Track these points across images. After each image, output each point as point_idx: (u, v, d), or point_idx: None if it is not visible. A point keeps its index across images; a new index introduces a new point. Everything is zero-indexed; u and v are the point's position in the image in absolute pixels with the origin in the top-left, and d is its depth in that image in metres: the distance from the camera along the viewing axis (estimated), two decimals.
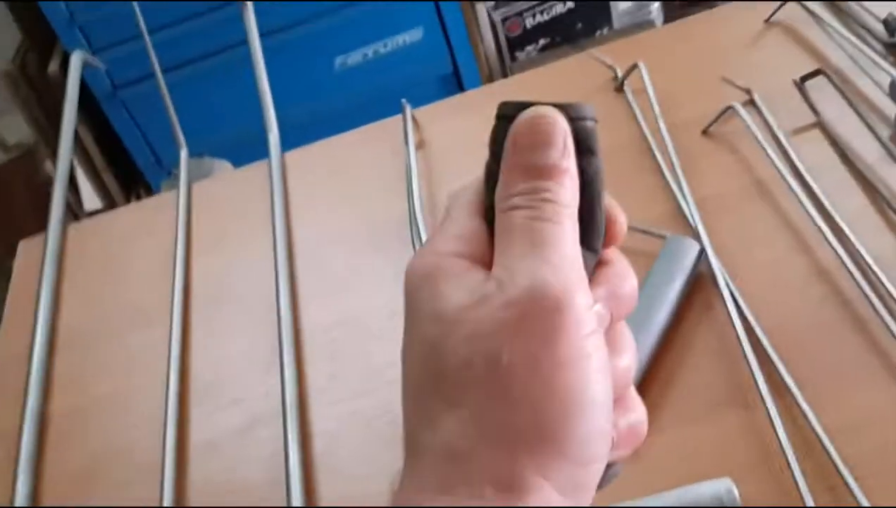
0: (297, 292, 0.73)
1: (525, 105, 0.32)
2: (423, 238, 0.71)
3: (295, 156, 0.85)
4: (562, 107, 0.32)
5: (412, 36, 1.83)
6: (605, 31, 1.91)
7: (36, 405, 0.69)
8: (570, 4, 1.87)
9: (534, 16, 1.87)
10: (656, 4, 1.90)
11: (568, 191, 0.31)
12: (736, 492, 0.51)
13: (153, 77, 0.87)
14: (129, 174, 1.92)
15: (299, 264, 0.75)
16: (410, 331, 0.31)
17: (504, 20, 1.87)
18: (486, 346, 0.28)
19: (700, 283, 0.63)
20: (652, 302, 0.61)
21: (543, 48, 1.91)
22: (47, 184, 0.89)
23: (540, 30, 1.89)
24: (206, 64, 1.74)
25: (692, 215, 0.66)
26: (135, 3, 0.88)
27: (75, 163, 1.73)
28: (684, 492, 0.51)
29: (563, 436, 0.28)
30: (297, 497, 0.58)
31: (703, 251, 0.63)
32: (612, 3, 1.88)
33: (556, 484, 0.28)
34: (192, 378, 0.69)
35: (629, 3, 1.88)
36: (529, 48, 1.91)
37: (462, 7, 1.83)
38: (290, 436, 0.61)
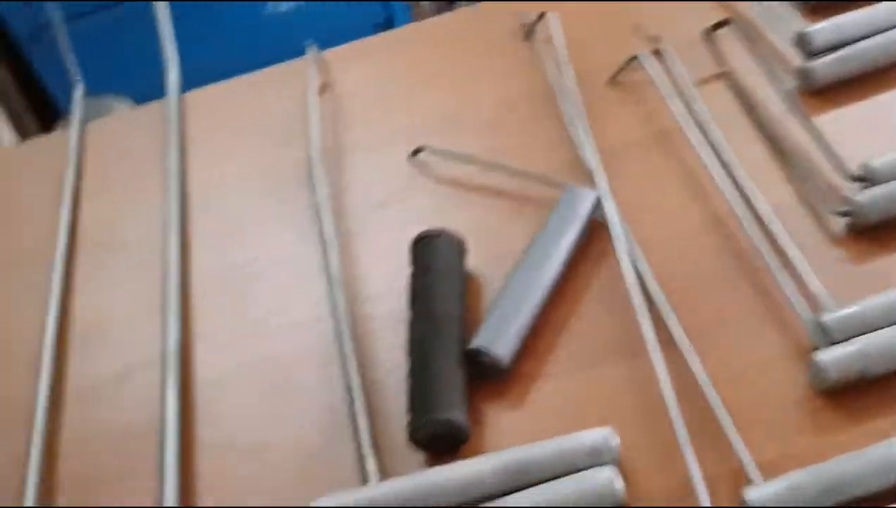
0: (188, 237, 0.70)
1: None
2: (320, 185, 0.69)
3: (195, 96, 0.82)
4: None
5: None
6: None
7: None
8: None
9: None
10: None
11: None
12: (615, 441, 0.50)
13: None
14: (53, 119, 1.86)
15: (193, 209, 0.72)
16: None
17: None
18: None
19: (597, 233, 0.62)
20: (546, 251, 0.59)
21: None
22: None
23: None
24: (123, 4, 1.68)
25: (590, 163, 0.65)
26: None
27: None
28: (565, 441, 0.50)
29: None
30: (171, 444, 0.56)
31: (599, 200, 0.62)
32: None
33: None
34: (72, 323, 0.66)
35: None
36: None
37: None
38: (168, 381, 0.59)
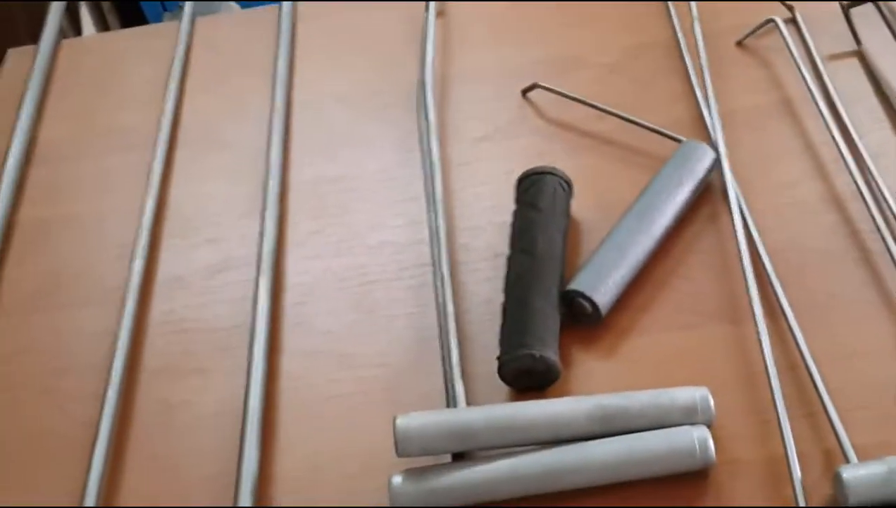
0: (289, 145, 0.70)
1: None
2: (430, 110, 0.68)
3: (310, 7, 0.81)
4: None
5: None
6: None
7: (3, 212, 0.66)
8: None
9: None
10: None
11: None
12: (711, 402, 0.49)
13: None
14: (133, 14, 1.86)
15: (297, 118, 0.72)
16: None
17: None
18: None
19: (709, 193, 0.61)
20: (656, 203, 0.58)
21: None
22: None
23: None
24: None
25: (712, 123, 0.63)
26: None
27: None
28: (659, 394, 0.49)
29: None
30: (260, 342, 0.56)
31: (717, 160, 0.60)
32: None
33: None
34: (168, 210, 0.66)
35: None
36: None
37: None
38: (261, 281, 0.59)
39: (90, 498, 0.50)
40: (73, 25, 1.62)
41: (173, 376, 0.57)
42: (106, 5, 1.77)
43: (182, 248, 0.64)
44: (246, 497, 0.49)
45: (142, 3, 1.81)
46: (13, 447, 0.55)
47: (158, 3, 1.78)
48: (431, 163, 0.64)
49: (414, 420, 0.48)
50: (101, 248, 0.65)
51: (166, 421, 0.55)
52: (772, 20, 0.68)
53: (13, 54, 0.80)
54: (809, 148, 0.62)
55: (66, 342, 0.60)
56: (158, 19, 1.78)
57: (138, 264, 0.62)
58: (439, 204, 0.61)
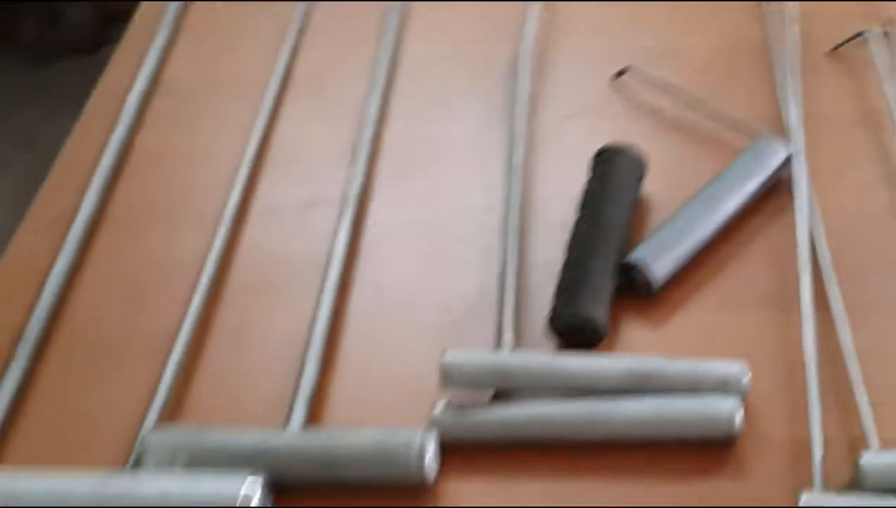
0: (388, 101, 0.74)
1: None
2: (522, 83, 0.71)
3: None
4: None
5: None
6: None
7: (121, 137, 0.72)
8: None
9: None
10: None
11: None
12: (746, 377, 0.51)
13: None
14: None
15: (399, 76, 0.76)
16: None
17: None
18: None
19: (779, 189, 0.62)
20: (724, 190, 0.60)
21: None
22: None
23: None
24: None
25: (791, 122, 0.65)
26: None
27: None
28: (697, 363, 0.51)
29: None
30: (333, 276, 0.60)
31: (790, 158, 0.62)
32: None
33: None
34: (270, 150, 0.71)
35: None
36: None
37: None
38: (343, 220, 0.63)
39: (159, 400, 0.55)
40: None
41: (252, 298, 0.62)
42: None
43: (278, 184, 0.69)
44: (299, 415, 0.53)
45: None
46: (99, 347, 0.60)
47: None
48: (516, 132, 0.68)
49: (459, 356, 0.52)
50: (205, 178, 0.70)
51: (238, 340, 0.59)
52: (862, 33, 0.69)
53: (147, 6, 0.86)
54: (885, 160, 0.64)
55: (162, 257, 0.66)
56: None
57: (236, 195, 0.67)
58: (517, 171, 0.65)
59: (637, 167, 0.62)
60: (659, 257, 0.57)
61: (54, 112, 1.74)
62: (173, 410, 0.55)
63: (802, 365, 0.52)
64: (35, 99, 1.82)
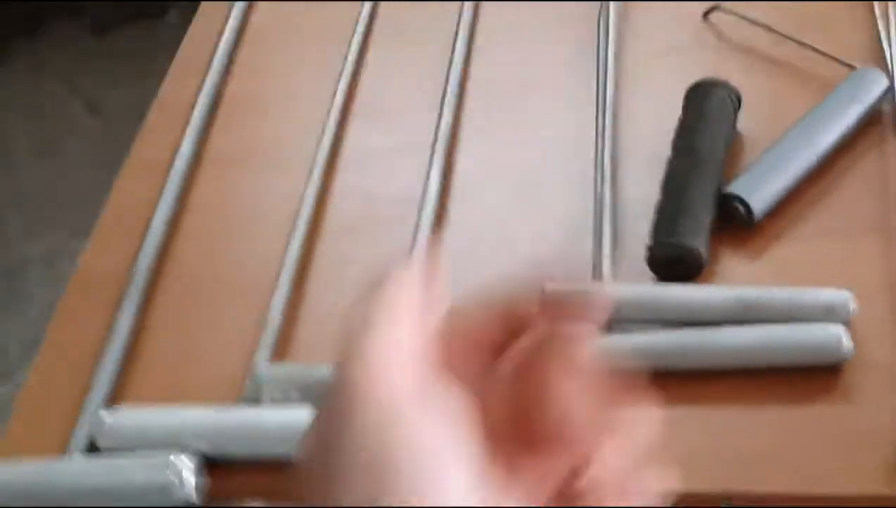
0: (472, 45, 0.74)
1: None
2: (611, 21, 0.71)
3: None
4: None
5: None
6: None
7: (213, 83, 0.73)
8: None
9: None
10: None
11: None
12: (852, 304, 0.50)
13: None
14: None
15: (483, 19, 0.76)
16: None
17: None
18: None
19: (879, 119, 0.61)
20: (823, 121, 0.59)
21: None
22: None
23: None
24: None
25: (891, 53, 0.63)
26: None
27: None
28: (802, 291, 0.51)
29: None
30: (427, 213, 0.61)
31: (890, 88, 0.61)
32: None
33: None
34: (358, 96, 0.72)
35: None
36: None
37: None
38: (434, 161, 0.64)
39: (268, 338, 0.56)
40: None
41: (348, 238, 0.63)
42: None
43: (370, 129, 0.70)
44: None
45: None
46: (206, 284, 0.62)
47: None
48: (606, 69, 0.67)
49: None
50: (297, 123, 0.71)
51: (340, 275, 0.61)
52: None
53: None
54: None
55: (259, 199, 0.67)
56: None
57: (327, 140, 0.68)
58: (608, 107, 0.65)
59: (732, 101, 0.61)
60: (758, 189, 0.57)
61: (119, 79, 1.78)
62: (281, 347, 0.57)
63: None
64: (100, 66, 1.85)
